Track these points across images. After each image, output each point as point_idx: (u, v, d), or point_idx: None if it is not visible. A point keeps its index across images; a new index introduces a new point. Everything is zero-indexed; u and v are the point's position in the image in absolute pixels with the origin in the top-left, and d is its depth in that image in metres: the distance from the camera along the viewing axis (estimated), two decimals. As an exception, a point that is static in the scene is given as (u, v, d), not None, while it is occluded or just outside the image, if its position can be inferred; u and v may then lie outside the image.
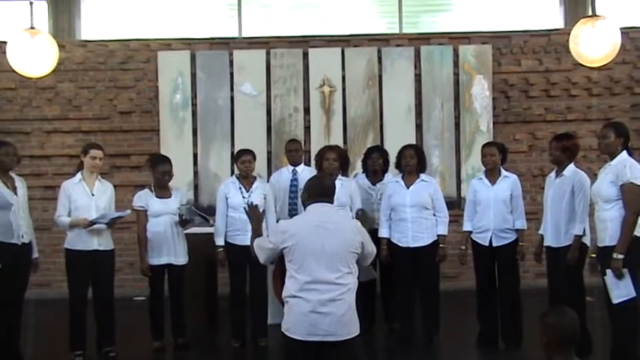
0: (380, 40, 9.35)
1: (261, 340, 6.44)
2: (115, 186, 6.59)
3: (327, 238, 3.88)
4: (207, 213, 6.86)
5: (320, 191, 4.10)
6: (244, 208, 4.67)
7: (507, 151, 6.62)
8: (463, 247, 6.44)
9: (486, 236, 6.24)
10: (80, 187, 6.18)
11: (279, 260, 4.17)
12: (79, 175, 6.23)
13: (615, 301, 5.00)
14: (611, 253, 4.99)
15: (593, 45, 6.30)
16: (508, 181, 6.30)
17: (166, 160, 6.56)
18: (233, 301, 6.50)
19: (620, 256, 4.94)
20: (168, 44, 9.30)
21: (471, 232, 6.38)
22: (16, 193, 5.89)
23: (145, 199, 6.41)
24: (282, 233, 3.96)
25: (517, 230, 6.21)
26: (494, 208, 6.23)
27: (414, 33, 9.49)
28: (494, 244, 6.22)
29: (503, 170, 6.36)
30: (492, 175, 6.33)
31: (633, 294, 4.97)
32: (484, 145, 6.58)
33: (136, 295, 8.42)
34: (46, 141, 9.24)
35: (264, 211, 5.97)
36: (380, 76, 9.19)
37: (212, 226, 6.63)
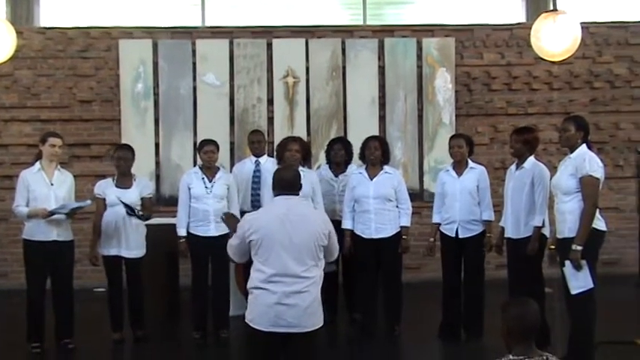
0: (344, 32, 9.35)
1: (222, 331, 6.41)
2: (74, 176, 6.51)
3: (293, 230, 3.87)
4: (169, 204, 6.78)
5: (284, 183, 4.09)
6: (221, 218, 4.65)
7: (474, 144, 6.65)
8: (432, 239, 6.48)
9: (453, 227, 6.28)
10: (39, 177, 6.08)
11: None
12: (37, 165, 6.13)
13: (574, 291, 5.08)
14: (570, 245, 5.07)
15: (554, 39, 6.37)
16: (475, 173, 6.34)
17: (126, 147, 6.54)
18: (195, 293, 6.46)
19: (579, 248, 5.02)
20: (129, 33, 9.17)
21: (439, 224, 6.42)
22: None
23: (103, 187, 6.36)
24: (248, 226, 3.95)
25: (484, 222, 6.26)
26: (460, 199, 6.26)
27: (377, 25, 9.51)
28: (460, 236, 6.26)
29: (470, 162, 6.40)
30: (459, 166, 6.36)
31: (591, 285, 5.05)
32: (452, 137, 6.62)
33: (95, 286, 8.31)
34: (3, 129, 9.05)
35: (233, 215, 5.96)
36: (344, 68, 9.18)
37: (146, 220, 6.47)
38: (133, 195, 6.33)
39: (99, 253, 6.31)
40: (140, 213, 6.29)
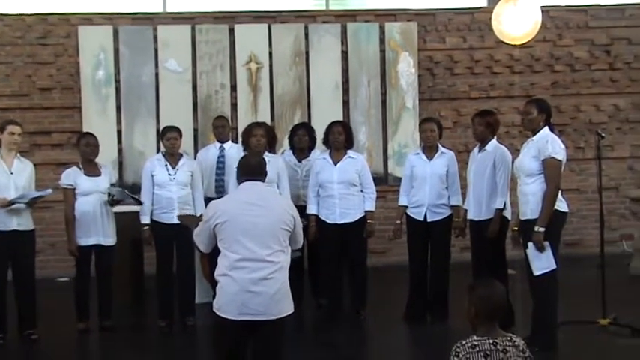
0: (307, 17, 9.31)
1: (188, 319, 6.38)
2: (35, 165, 6.42)
3: (258, 215, 3.86)
4: (132, 191, 6.72)
5: (250, 170, 4.08)
6: (179, 219, 4.61)
7: (443, 128, 6.67)
8: (398, 222, 6.49)
9: (421, 211, 6.30)
10: (-2, 166, 5.97)
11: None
12: (-4, 154, 6.02)
13: (536, 272, 5.15)
14: (532, 227, 5.14)
15: (515, 23, 6.44)
16: (445, 158, 6.35)
17: (90, 135, 6.50)
18: (160, 280, 6.41)
19: (542, 229, 5.09)
20: (89, 19, 9.03)
21: (406, 206, 6.43)
22: None
23: (73, 177, 6.25)
24: (213, 212, 3.93)
25: (452, 207, 6.29)
26: (430, 183, 6.28)
27: (340, 10, 9.48)
28: (428, 220, 6.28)
29: (440, 147, 6.42)
30: (430, 151, 6.37)
31: (554, 265, 5.13)
32: (423, 121, 6.65)
33: (58, 276, 8.21)
34: (-40, 118, 8.88)
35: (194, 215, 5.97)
36: (307, 53, 9.16)
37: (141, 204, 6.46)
38: (103, 183, 6.28)
39: (77, 244, 6.21)
40: (136, 197, 6.29)
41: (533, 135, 5.36)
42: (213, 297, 3.97)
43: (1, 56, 8.91)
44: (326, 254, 6.50)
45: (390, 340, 6.11)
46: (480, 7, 9.47)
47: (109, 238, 6.31)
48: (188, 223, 4.33)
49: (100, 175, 6.32)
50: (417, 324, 6.31)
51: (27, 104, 8.92)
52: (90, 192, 6.21)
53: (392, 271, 7.67)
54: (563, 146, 5.29)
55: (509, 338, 3.01)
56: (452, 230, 6.33)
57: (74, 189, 6.22)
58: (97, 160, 6.42)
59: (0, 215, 5.87)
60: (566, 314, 5.59)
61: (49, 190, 6.21)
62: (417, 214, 6.34)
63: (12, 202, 5.85)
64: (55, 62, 8.98)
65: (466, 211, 6.12)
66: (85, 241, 6.21)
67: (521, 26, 6.44)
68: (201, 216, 4.29)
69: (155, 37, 9.01)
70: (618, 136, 9.51)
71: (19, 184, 6.00)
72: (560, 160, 5.20)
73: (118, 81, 8.98)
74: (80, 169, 6.30)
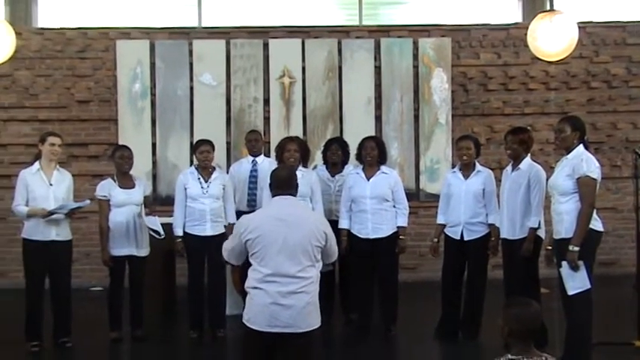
0: (340, 32, 9.37)
1: (219, 330, 6.42)
2: (72, 175, 6.50)
3: (289, 231, 3.87)
4: (165, 203, 6.79)
5: (280, 183, 4.10)
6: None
7: (481, 146, 6.61)
8: (435, 240, 6.45)
9: (457, 230, 6.25)
10: (38, 177, 6.09)
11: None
12: (36, 165, 6.13)
13: (571, 292, 5.08)
14: (567, 246, 5.06)
15: (551, 39, 6.39)
16: (481, 176, 6.28)
17: (125, 147, 6.56)
18: (191, 292, 6.46)
19: (576, 249, 5.02)
20: (127, 33, 9.19)
21: (444, 225, 6.39)
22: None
23: (107, 188, 6.33)
24: (245, 227, 3.95)
25: (489, 225, 6.21)
26: (465, 202, 6.22)
27: (373, 25, 9.53)
28: (465, 238, 6.22)
29: (477, 165, 6.37)
30: (467, 169, 6.32)
31: (588, 285, 5.06)
32: (459, 139, 6.56)
33: (92, 285, 8.33)
34: (2, 129, 9.08)
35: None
36: (340, 68, 9.20)
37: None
38: (138, 194, 6.37)
39: (110, 254, 6.30)
40: (162, 235, 6.36)
41: (568, 153, 5.30)
42: (244, 309, 3.99)
43: (41, 69, 9.11)
44: (357, 269, 6.49)
45: (420, 357, 6.07)
46: (515, 23, 9.44)
47: (141, 250, 6.38)
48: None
49: (134, 187, 6.39)
50: (449, 341, 6.26)
51: (65, 116, 9.10)
52: (123, 204, 6.29)
53: (422, 288, 7.63)
54: (598, 164, 5.22)
55: (544, 358, 2.98)
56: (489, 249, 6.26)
57: (108, 200, 6.31)
58: (131, 172, 6.50)
59: (39, 225, 5.98)
60: (600, 335, 5.50)
61: (88, 201, 6.30)
62: (454, 233, 6.29)
63: (51, 213, 5.96)
64: (93, 75, 9.15)
65: (498, 229, 6.06)
66: (118, 251, 6.29)
67: (557, 42, 6.39)
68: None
69: (190, 52, 9.12)
70: (655, 154, 9.37)
71: (58, 195, 6.11)
72: (595, 179, 5.13)
73: (153, 94, 9.11)
74: (115, 180, 6.38)
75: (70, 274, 6.26)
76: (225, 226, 6.39)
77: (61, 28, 9.23)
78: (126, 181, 6.40)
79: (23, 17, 9.36)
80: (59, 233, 6.07)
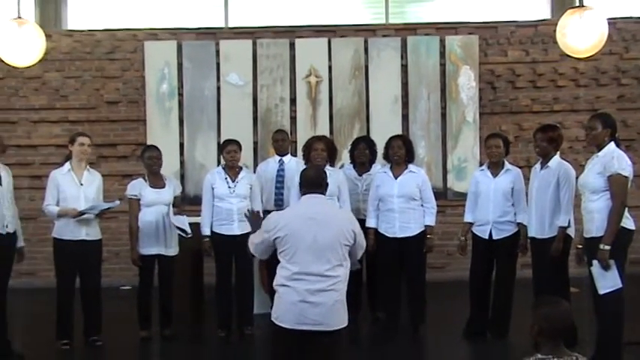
0: (366, 31, 9.35)
1: (247, 329, 6.44)
2: (102, 176, 6.56)
3: (318, 229, 3.88)
4: (193, 203, 6.83)
5: (310, 182, 4.12)
6: (245, 215, 4.64)
7: (509, 143, 6.56)
8: (463, 238, 6.42)
9: (486, 229, 6.21)
10: (69, 177, 6.15)
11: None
12: (67, 165, 6.20)
13: (602, 291, 5.02)
14: (597, 244, 5.01)
15: (580, 36, 6.32)
16: (511, 174, 6.23)
17: (154, 148, 6.61)
18: (219, 291, 6.49)
19: (607, 247, 4.96)
20: (154, 34, 9.26)
21: (471, 223, 6.36)
22: (0, 183, 5.83)
23: (138, 188, 6.39)
24: (274, 225, 3.96)
25: (518, 224, 6.16)
26: (493, 200, 6.18)
27: (400, 23, 9.49)
28: (494, 237, 6.18)
29: (506, 163, 6.32)
30: (495, 167, 6.27)
31: (619, 285, 5.00)
32: (488, 137, 6.51)
33: (122, 284, 8.40)
34: (32, 130, 9.21)
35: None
36: (366, 67, 9.18)
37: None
38: (167, 194, 6.43)
39: (139, 254, 6.35)
40: (189, 234, 6.40)
41: (599, 150, 5.23)
42: (271, 307, 4.00)
43: (71, 71, 9.22)
44: (384, 268, 6.48)
45: (448, 357, 6.05)
46: (544, 20, 9.35)
47: (170, 249, 6.43)
48: (254, 222, 4.33)
49: (164, 186, 6.45)
50: (477, 341, 6.22)
51: (94, 117, 9.20)
52: (153, 203, 6.35)
53: (450, 287, 7.58)
54: (629, 162, 5.15)
55: (574, 358, 2.95)
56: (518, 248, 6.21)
57: (139, 200, 6.36)
58: (161, 171, 6.55)
59: (69, 225, 6.05)
60: (632, 334, 5.42)
61: (118, 202, 6.36)
62: (482, 232, 6.25)
63: (82, 213, 6.02)
64: (122, 76, 9.24)
65: (527, 228, 6.00)
66: (147, 250, 6.34)
67: (587, 39, 6.32)
68: (263, 218, 4.30)
69: (217, 52, 9.17)
70: (687, 151, 9.24)
71: (88, 195, 6.17)
72: (626, 177, 5.07)
73: (181, 94, 9.17)
74: (146, 180, 6.43)
75: (100, 273, 6.32)
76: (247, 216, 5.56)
77: (90, 30, 9.34)
78: (156, 180, 6.45)
79: (53, 19, 9.48)
80: (89, 233, 6.13)
